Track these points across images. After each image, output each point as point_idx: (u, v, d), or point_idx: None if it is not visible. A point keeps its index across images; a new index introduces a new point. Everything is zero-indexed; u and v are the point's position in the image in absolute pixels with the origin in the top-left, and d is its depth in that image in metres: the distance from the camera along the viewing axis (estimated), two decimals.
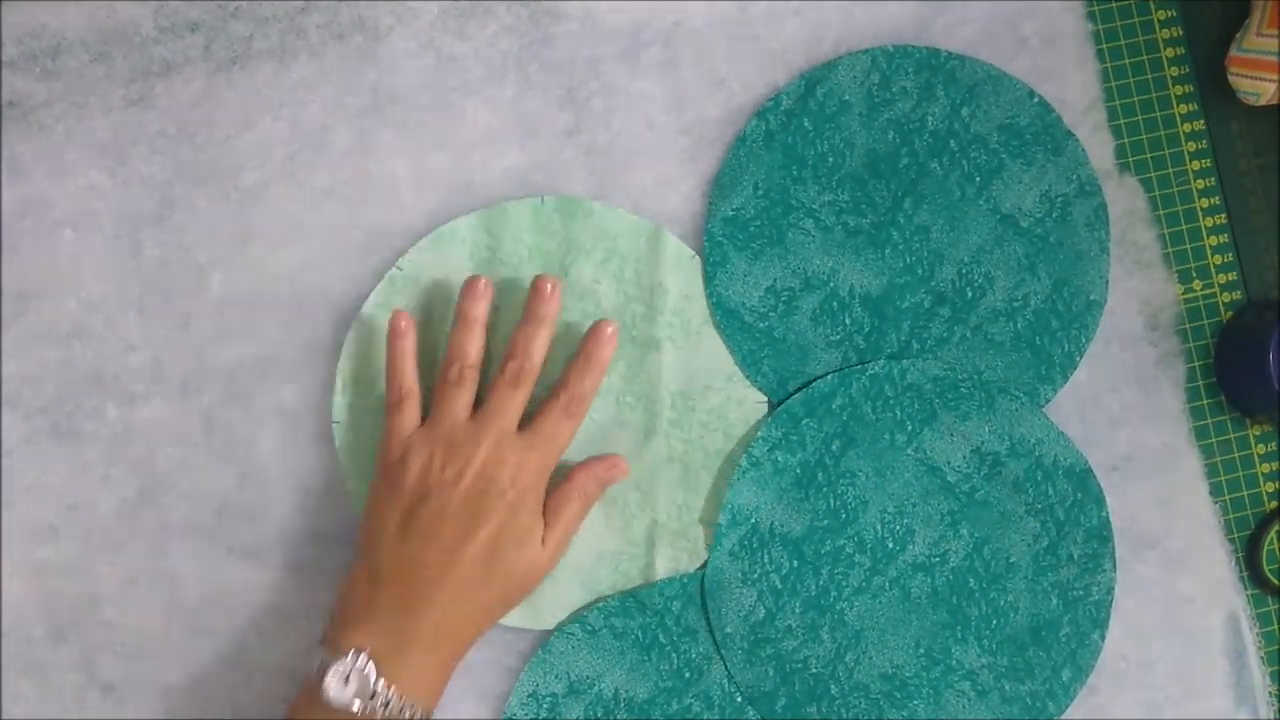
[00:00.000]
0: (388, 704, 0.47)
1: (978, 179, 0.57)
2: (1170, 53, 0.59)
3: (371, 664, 0.48)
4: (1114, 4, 0.59)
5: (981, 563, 0.55)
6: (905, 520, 0.55)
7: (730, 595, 0.55)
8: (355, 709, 0.47)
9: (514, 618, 0.55)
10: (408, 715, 0.48)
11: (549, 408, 0.53)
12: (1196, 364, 0.58)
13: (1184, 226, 0.58)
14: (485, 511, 0.50)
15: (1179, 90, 0.59)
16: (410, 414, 0.53)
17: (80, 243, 0.56)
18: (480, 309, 0.54)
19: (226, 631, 0.56)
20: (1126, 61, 0.59)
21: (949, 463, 0.55)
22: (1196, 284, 0.59)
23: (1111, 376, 0.58)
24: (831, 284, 0.57)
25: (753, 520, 0.55)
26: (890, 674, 0.55)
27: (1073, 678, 0.55)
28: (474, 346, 0.54)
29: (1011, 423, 0.55)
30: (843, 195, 0.57)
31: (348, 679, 0.47)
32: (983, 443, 0.55)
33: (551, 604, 0.55)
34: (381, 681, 0.48)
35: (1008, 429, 0.55)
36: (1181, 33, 0.59)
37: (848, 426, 0.55)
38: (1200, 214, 0.59)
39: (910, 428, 0.55)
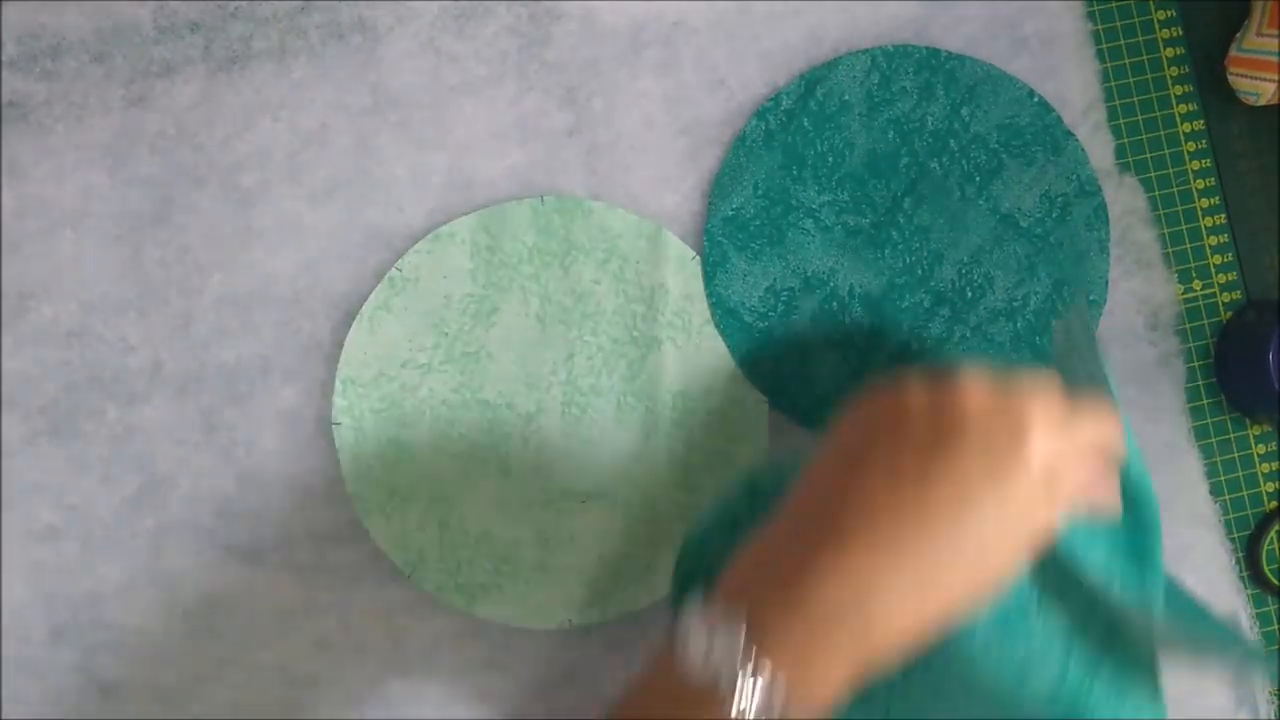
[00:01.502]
0: (755, 683, 0.34)
1: (977, 179, 0.57)
2: (1170, 53, 0.59)
3: (745, 623, 0.35)
4: (1114, 4, 0.59)
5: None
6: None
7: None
8: (709, 677, 0.35)
9: (515, 617, 0.55)
10: (778, 708, 0.34)
11: None
12: (1196, 364, 0.58)
13: (1184, 226, 0.59)
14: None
15: (1179, 90, 0.59)
16: None
17: (80, 243, 0.56)
18: None
19: (226, 631, 0.56)
20: (1126, 61, 0.59)
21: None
22: (1196, 284, 0.59)
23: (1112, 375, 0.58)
24: (831, 284, 0.57)
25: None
26: None
27: None
28: None
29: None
30: (842, 195, 0.57)
31: (710, 634, 0.35)
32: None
33: (552, 603, 0.55)
34: (754, 650, 0.35)
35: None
36: (1181, 33, 0.59)
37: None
38: (1200, 214, 0.59)
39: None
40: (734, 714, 0.34)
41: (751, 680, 0.34)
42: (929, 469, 0.36)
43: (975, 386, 0.38)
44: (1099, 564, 0.42)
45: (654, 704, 0.36)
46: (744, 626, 0.35)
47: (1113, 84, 0.58)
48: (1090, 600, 0.43)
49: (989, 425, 0.36)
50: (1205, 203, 0.59)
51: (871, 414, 0.39)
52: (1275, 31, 0.55)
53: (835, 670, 0.35)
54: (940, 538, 0.35)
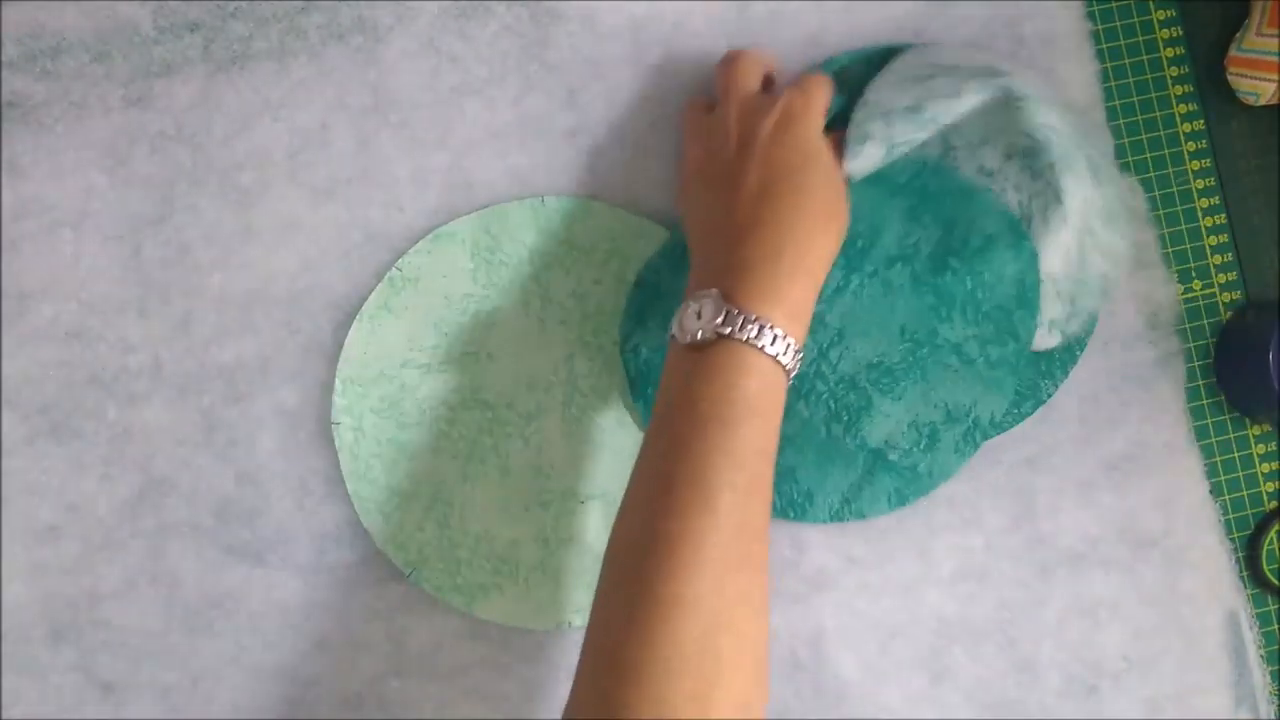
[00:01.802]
0: (743, 322, 0.45)
1: None
2: (1170, 53, 0.59)
3: (717, 292, 0.47)
4: (1114, 4, 0.59)
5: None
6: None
7: None
8: (710, 332, 0.46)
9: (514, 618, 0.55)
10: (770, 334, 0.46)
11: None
12: (1196, 364, 0.58)
13: (1184, 226, 0.59)
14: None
15: (1179, 90, 0.59)
16: None
17: (80, 243, 0.56)
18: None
19: (226, 631, 0.56)
20: (1126, 61, 0.59)
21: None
22: (1196, 284, 0.59)
23: (1111, 376, 0.58)
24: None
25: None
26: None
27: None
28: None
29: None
30: None
31: (699, 314, 0.46)
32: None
33: (552, 604, 0.55)
34: (728, 305, 0.46)
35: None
36: (1181, 33, 0.59)
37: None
38: (1200, 214, 0.59)
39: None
40: (740, 347, 0.45)
41: (745, 323, 0.45)
42: (748, 148, 0.50)
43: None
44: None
45: (676, 389, 0.46)
46: (718, 294, 0.46)
47: (1113, 84, 0.58)
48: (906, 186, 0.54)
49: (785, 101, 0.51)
50: (1205, 203, 0.59)
51: (693, 155, 0.53)
52: (1275, 31, 0.55)
53: (796, 294, 0.47)
54: (801, 178, 0.49)
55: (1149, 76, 0.59)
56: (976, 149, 0.53)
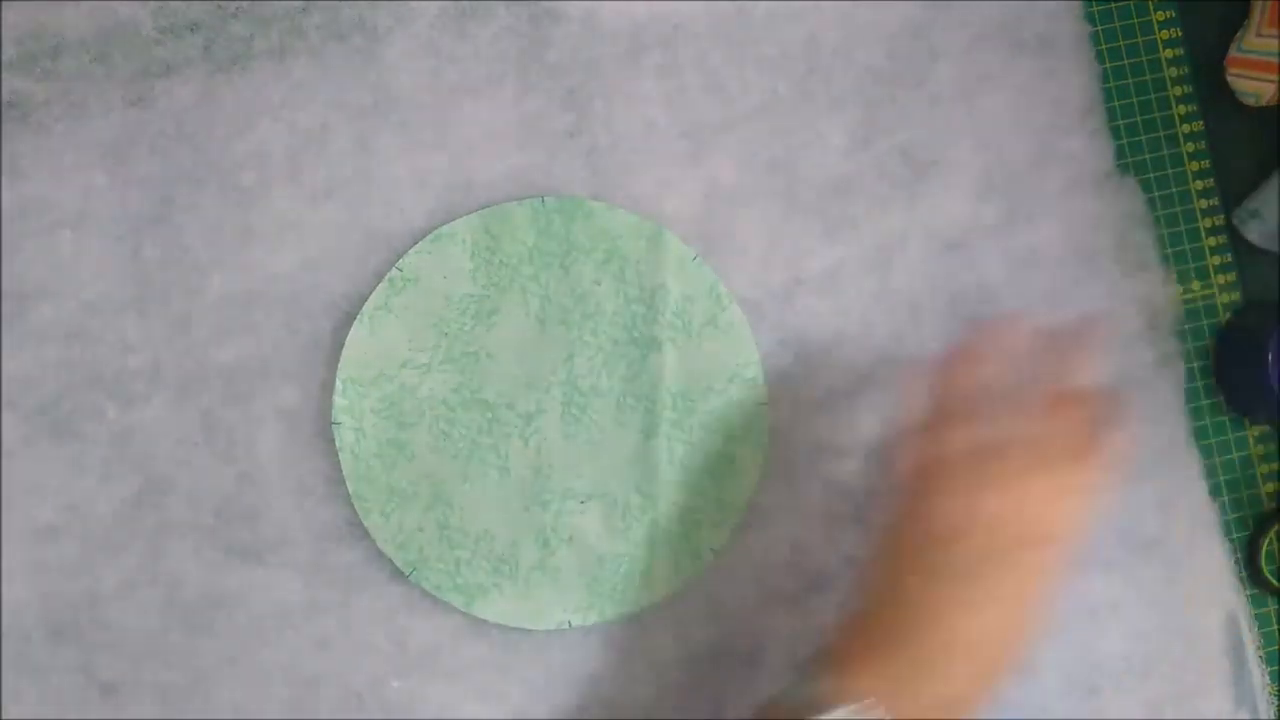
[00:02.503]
0: None
1: None
2: (1170, 53, 0.59)
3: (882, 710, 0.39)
4: (1113, 5, 0.59)
5: None
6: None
7: None
8: None
9: (514, 618, 0.55)
10: None
11: None
12: (1196, 364, 0.58)
13: (1183, 227, 0.59)
14: None
15: (1178, 91, 0.59)
16: None
17: (80, 243, 0.56)
18: None
19: (226, 631, 0.56)
20: (1126, 62, 0.59)
21: None
22: (1195, 285, 0.59)
23: (1111, 376, 0.58)
24: None
25: None
26: None
27: None
28: None
29: None
30: None
31: None
32: None
33: (552, 604, 0.55)
34: None
35: None
36: (1181, 33, 0.59)
37: None
38: (1199, 214, 0.59)
39: None
40: None
41: None
42: None
43: None
44: None
45: None
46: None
47: (1112, 85, 0.58)
48: None
49: None
50: (1204, 203, 0.59)
51: None
52: (1275, 32, 0.55)
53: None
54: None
55: (1149, 77, 0.59)
56: None
